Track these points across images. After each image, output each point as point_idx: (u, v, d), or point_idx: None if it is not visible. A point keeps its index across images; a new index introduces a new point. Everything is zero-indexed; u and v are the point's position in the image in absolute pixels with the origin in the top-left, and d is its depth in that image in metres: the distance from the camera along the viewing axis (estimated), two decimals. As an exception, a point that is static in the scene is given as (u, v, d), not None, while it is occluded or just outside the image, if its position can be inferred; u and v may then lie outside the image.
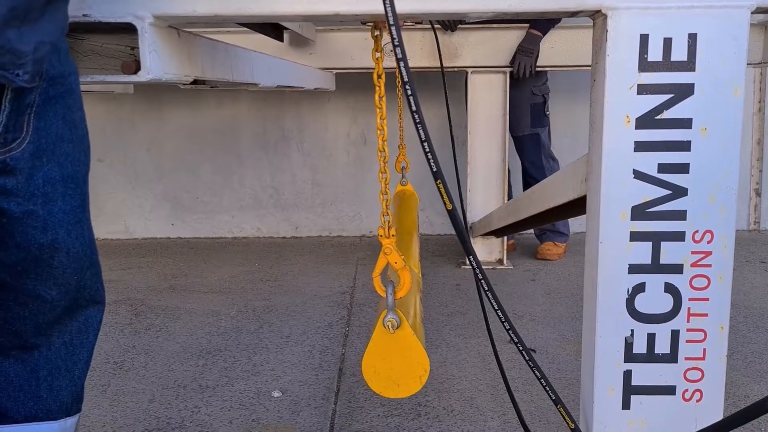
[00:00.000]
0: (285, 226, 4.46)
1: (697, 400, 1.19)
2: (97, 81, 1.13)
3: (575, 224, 3.76)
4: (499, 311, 1.14)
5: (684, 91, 1.09)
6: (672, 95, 1.09)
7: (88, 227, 1.01)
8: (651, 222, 1.13)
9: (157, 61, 1.11)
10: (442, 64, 3.04)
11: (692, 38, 1.07)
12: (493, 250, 3.67)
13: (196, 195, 4.42)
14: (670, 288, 1.15)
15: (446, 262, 3.75)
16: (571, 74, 3.87)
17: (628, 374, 1.19)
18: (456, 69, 3.51)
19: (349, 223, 4.46)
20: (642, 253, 1.14)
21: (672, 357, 1.17)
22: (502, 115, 3.52)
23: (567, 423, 1.22)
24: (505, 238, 3.59)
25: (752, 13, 1.08)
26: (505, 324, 1.15)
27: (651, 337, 1.17)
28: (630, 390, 1.19)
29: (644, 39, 1.07)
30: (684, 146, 1.10)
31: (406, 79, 0.97)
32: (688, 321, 1.16)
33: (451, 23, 3.39)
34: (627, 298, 1.16)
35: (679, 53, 1.08)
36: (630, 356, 1.18)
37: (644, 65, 1.08)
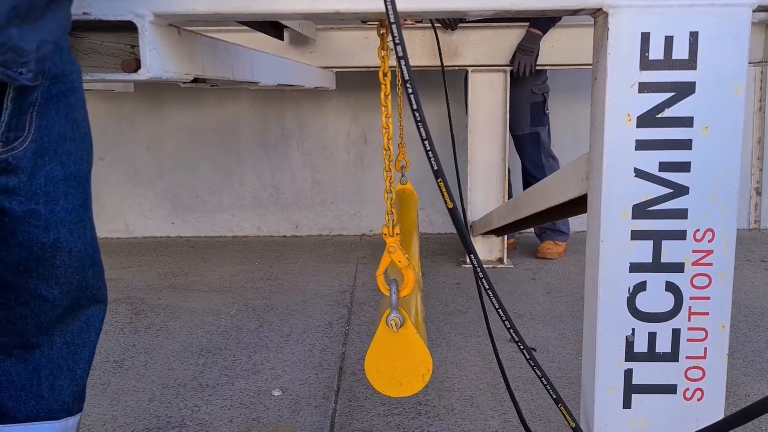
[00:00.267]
0: (285, 224, 4.46)
1: (698, 399, 1.19)
2: (97, 79, 1.12)
3: (575, 223, 3.76)
4: (499, 310, 1.14)
5: (685, 90, 1.09)
6: (673, 93, 1.09)
7: (90, 226, 1.00)
8: (652, 221, 1.13)
9: (158, 59, 1.11)
10: (442, 62, 3.04)
11: (693, 36, 1.07)
12: (494, 249, 3.67)
13: (197, 194, 4.42)
14: (671, 287, 1.15)
15: (446, 261, 3.75)
16: (571, 73, 3.87)
17: (629, 373, 1.19)
18: (456, 68, 3.51)
19: (349, 222, 4.46)
20: (643, 251, 1.14)
21: (673, 356, 1.17)
22: (503, 114, 3.52)
23: (568, 422, 1.22)
24: (506, 237, 3.59)
25: (753, 11, 1.07)
26: (506, 323, 1.15)
27: (652, 336, 1.17)
28: (631, 389, 1.19)
29: (645, 37, 1.07)
30: (685, 145, 1.10)
31: (407, 77, 0.97)
32: (689, 320, 1.16)
33: (451, 22, 3.38)
34: (628, 297, 1.16)
35: (680, 51, 1.07)
36: (631, 355, 1.18)
37: (645, 63, 1.08)
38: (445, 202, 1.05)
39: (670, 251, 1.14)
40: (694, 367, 1.18)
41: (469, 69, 3.51)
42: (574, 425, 1.22)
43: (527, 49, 3.38)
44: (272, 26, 2.12)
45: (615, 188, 1.12)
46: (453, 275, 3.47)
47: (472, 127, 3.57)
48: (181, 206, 4.43)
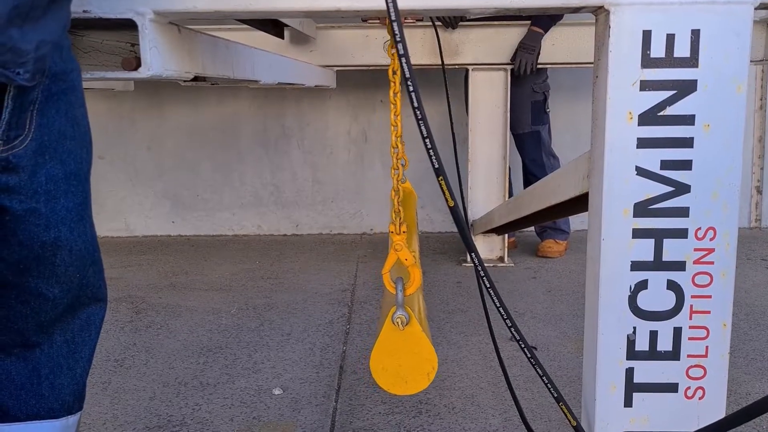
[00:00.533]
0: (285, 223, 4.46)
1: (700, 398, 1.19)
2: (97, 77, 1.12)
3: (576, 222, 3.76)
4: (500, 308, 1.14)
5: (687, 88, 1.08)
6: (675, 91, 1.08)
7: (90, 225, 1.00)
8: (653, 219, 1.13)
9: (158, 57, 1.11)
10: (443, 61, 3.04)
11: (695, 34, 1.06)
12: (494, 248, 3.67)
13: (197, 192, 4.42)
14: (672, 285, 1.15)
15: (447, 260, 3.75)
16: (572, 71, 3.86)
17: (630, 372, 1.18)
18: (457, 66, 3.50)
19: (349, 221, 4.46)
20: (644, 250, 1.14)
21: (674, 354, 1.17)
22: (503, 113, 3.52)
23: (569, 420, 1.22)
24: (506, 235, 3.59)
25: (755, 9, 1.07)
26: (507, 321, 1.14)
27: (653, 335, 1.17)
28: (632, 387, 1.19)
29: (647, 35, 1.07)
30: (687, 143, 1.10)
31: (407, 75, 0.97)
32: (690, 318, 1.16)
33: (452, 20, 3.38)
34: (629, 296, 1.16)
35: (681, 49, 1.07)
36: (632, 354, 1.18)
37: (647, 61, 1.08)
38: (446, 201, 1.05)
39: (672, 249, 1.13)
40: (696, 366, 1.18)
41: (470, 67, 3.51)
42: (575, 424, 1.22)
43: (528, 47, 3.38)
44: (273, 24, 2.12)
45: (616, 186, 1.12)
46: (453, 274, 3.46)
47: (472, 125, 3.57)
48: (182, 205, 4.43)
